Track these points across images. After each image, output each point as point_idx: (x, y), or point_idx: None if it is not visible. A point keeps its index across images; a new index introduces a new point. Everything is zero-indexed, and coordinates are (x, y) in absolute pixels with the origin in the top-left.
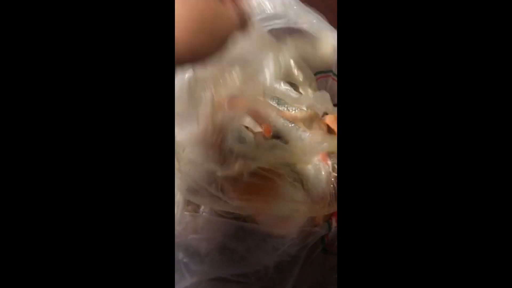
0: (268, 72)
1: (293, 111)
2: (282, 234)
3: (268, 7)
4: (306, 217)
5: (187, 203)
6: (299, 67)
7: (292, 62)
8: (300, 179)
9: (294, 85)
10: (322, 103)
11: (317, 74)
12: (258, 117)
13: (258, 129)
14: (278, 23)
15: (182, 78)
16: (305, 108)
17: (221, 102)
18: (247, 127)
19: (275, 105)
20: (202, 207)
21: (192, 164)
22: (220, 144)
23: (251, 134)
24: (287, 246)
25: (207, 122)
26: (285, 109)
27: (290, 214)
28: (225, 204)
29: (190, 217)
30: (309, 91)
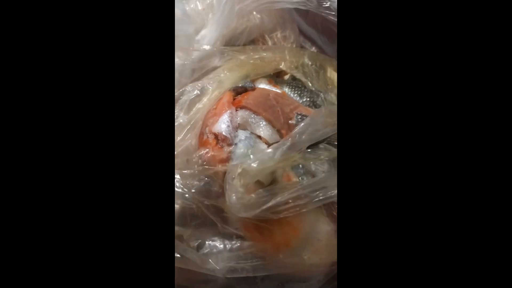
0: None
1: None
2: (305, 276)
3: None
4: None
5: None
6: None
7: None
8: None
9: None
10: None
11: None
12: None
13: (276, 138)
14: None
15: None
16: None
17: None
18: (260, 137)
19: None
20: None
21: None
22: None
23: (265, 147)
24: None
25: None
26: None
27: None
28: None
29: None
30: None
